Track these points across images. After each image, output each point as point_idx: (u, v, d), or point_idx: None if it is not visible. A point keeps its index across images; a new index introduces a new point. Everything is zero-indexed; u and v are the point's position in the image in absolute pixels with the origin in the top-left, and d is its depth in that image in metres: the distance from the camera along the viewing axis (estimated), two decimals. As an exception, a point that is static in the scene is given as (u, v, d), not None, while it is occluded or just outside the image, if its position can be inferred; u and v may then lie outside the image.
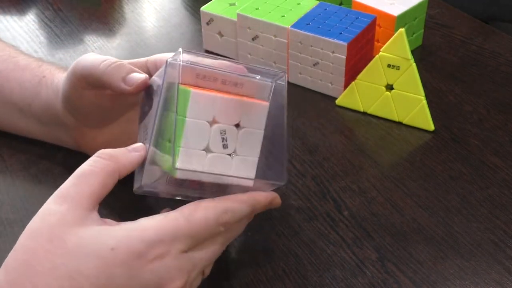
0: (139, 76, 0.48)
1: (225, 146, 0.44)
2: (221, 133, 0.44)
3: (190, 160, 0.43)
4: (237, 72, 0.46)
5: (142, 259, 0.40)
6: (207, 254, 0.44)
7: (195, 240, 0.42)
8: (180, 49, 0.44)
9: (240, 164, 0.44)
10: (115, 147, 0.55)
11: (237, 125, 0.45)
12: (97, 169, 0.43)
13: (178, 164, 0.42)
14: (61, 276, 0.38)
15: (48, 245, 0.39)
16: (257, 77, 0.47)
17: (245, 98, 0.45)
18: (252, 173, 0.45)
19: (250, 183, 0.45)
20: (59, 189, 0.43)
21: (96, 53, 0.78)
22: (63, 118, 0.55)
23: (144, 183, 0.45)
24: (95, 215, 0.42)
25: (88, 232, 0.40)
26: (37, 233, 0.40)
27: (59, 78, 0.56)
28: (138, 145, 0.46)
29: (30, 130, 0.60)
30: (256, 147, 0.45)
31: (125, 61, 0.50)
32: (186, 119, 0.42)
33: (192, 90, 0.43)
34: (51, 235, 0.39)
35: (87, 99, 0.52)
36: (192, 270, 0.43)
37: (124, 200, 0.50)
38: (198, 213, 0.42)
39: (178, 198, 0.47)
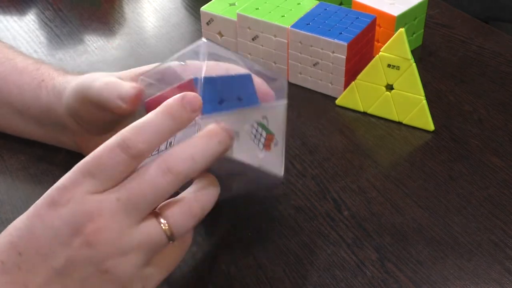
0: (131, 91, 0.48)
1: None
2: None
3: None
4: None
5: (52, 209, 0.39)
6: (128, 192, 0.39)
7: (99, 177, 0.39)
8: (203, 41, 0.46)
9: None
10: None
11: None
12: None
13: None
14: (7, 233, 0.40)
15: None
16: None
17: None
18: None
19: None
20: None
21: (96, 53, 0.78)
22: (65, 123, 0.55)
23: None
24: None
25: None
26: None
27: (60, 82, 0.56)
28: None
29: (30, 131, 0.60)
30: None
31: (116, 74, 0.51)
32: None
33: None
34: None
35: (95, 113, 0.52)
36: (110, 214, 0.39)
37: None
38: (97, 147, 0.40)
39: None
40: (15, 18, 0.86)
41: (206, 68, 0.44)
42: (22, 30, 0.83)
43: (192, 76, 0.42)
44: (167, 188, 0.40)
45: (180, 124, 0.41)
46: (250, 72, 0.47)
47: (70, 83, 0.54)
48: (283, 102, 0.49)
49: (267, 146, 0.49)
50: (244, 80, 0.46)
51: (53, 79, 0.57)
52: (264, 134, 0.49)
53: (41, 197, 0.40)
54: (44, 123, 0.58)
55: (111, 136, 0.53)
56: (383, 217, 0.55)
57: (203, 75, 0.43)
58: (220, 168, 0.44)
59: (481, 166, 0.60)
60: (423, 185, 0.58)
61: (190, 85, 0.43)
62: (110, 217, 0.39)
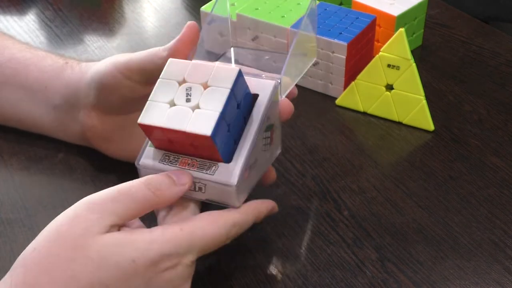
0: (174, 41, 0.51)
1: (188, 100, 0.45)
2: (186, 89, 0.46)
3: (153, 114, 0.46)
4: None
5: (157, 268, 0.42)
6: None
7: (205, 251, 0.45)
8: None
9: (199, 116, 0.45)
10: (118, 135, 0.56)
11: (205, 86, 0.46)
12: (139, 197, 0.44)
13: (140, 119, 0.46)
14: (82, 285, 0.39)
15: (72, 253, 0.40)
16: (263, 75, 0.49)
17: (218, 63, 0.47)
18: (209, 126, 0.44)
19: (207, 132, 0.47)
20: (95, 195, 0.43)
21: (96, 53, 0.78)
22: (81, 97, 0.56)
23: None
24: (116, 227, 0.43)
25: (110, 241, 0.41)
26: (63, 238, 0.40)
27: (86, 64, 0.58)
28: (186, 176, 0.46)
29: (37, 117, 0.60)
30: (219, 102, 0.45)
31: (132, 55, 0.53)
32: (159, 79, 0.47)
33: (171, 58, 0.48)
34: (76, 243, 0.40)
35: (122, 86, 0.53)
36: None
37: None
38: (211, 228, 0.44)
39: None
40: (15, 18, 0.86)
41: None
42: (22, 30, 0.83)
43: (205, 133, 0.44)
44: None
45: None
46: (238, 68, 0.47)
47: (100, 61, 0.56)
48: (274, 85, 0.49)
49: (271, 141, 0.50)
50: (237, 86, 0.46)
51: (79, 62, 0.59)
52: (268, 134, 0.49)
53: (143, 256, 0.41)
54: (55, 103, 0.58)
55: (116, 118, 0.56)
56: (383, 217, 0.55)
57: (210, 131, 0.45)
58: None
59: (481, 166, 0.60)
60: (423, 185, 0.58)
61: (205, 139, 0.45)
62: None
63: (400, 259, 0.51)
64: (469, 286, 0.49)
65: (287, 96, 0.51)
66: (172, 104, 0.46)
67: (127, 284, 0.40)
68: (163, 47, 0.50)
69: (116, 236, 0.41)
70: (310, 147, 0.63)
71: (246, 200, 0.48)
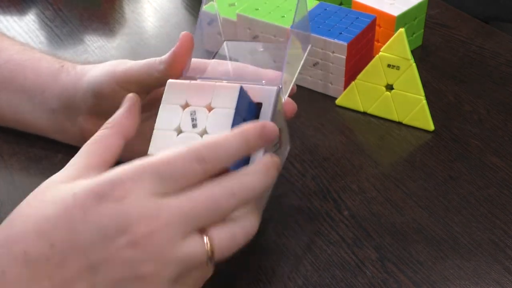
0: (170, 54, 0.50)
1: (194, 126, 0.45)
2: (191, 113, 0.45)
3: (161, 144, 0.45)
4: (240, 78, 0.47)
5: (100, 202, 0.38)
6: (191, 203, 0.39)
7: (166, 180, 0.39)
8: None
9: None
10: None
11: (209, 107, 0.46)
12: (97, 137, 0.44)
13: (150, 151, 0.45)
14: (30, 221, 0.39)
15: (32, 198, 0.41)
16: (263, 82, 0.48)
17: (217, 83, 0.46)
18: None
19: None
20: None
21: (96, 53, 0.78)
22: (78, 102, 0.56)
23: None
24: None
25: (65, 185, 0.40)
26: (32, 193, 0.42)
27: (82, 67, 0.57)
28: (131, 95, 0.47)
29: (36, 120, 0.60)
30: (226, 125, 0.44)
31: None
32: (161, 104, 0.46)
33: (169, 80, 0.47)
34: (38, 190, 0.42)
35: (120, 97, 0.52)
36: (167, 220, 0.38)
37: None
38: (168, 150, 0.40)
39: None
40: (15, 18, 0.86)
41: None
42: (22, 30, 0.83)
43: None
44: (227, 211, 0.40)
45: (250, 151, 0.42)
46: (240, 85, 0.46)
47: (95, 66, 0.56)
48: (277, 92, 0.48)
49: (280, 144, 0.50)
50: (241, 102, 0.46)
51: (74, 65, 0.59)
52: (277, 140, 0.49)
53: (83, 188, 0.39)
54: (53, 107, 0.58)
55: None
56: (383, 217, 0.55)
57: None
58: None
59: (481, 166, 0.60)
60: (423, 185, 0.58)
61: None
62: (165, 223, 0.38)
63: (400, 259, 0.51)
64: (469, 286, 0.49)
65: (289, 92, 0.51)
66: (179, 131, 0.45)
67: (67, 217, 0.38)
68: (159, 58, 0.49)
69: (73, 181, 0.40)
70: (310, 147, 0.63)
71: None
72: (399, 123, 0.66)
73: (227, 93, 0.45)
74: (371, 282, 0.49)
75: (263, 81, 0.48)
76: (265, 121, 0.44)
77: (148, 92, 0.53)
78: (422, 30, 0.78)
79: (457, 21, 0.83)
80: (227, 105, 0.45)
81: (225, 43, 0.58)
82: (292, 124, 0.66)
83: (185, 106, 0.46)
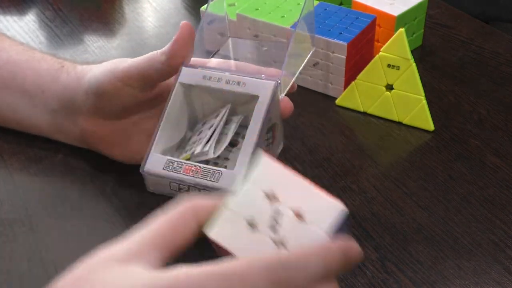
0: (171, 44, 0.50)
1: (273, 229, 0.37)
2: (274, 212, 0.37)
3: (227, 230, 0.37)
4: (240, 73, 0.47)
5: None
6: None
7: None
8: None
9: None
10: (119, 138, 0.56)
11: (297, 213, 0.37)
12: (164, 214, 0.37)
13: (211, 230, 0.37)
14: None
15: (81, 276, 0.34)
16: (263, 76, 0.48)
17: (317, 188, 0.38)
18: None
19: None
20: None
21: (96, 53, 0.78)
22: (79, 102, 0.56)
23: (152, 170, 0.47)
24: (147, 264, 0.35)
25: (113, 273, 0.34)
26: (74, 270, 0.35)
27: (83, 67, 0.57)
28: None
29: (36, 121, 0.60)
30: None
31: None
32: (248, 182, 0.38)
33: (264, 157, 0.38)
34: (88, 266, 0.35)
35: (123, 93, 0.52)
36: None
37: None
38: (241, 263, 0.34)
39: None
40: (15, 18, 0.86)
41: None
42: (22, 30, 0.83)
43: None
44: None
45: (328, 273, 0.35)
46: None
47: (95, 66, 0.55)
48: (274, 86, 0.48)
49: (274, 139, 0.50)
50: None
51: (74, 65, 0.58)
52: (270, 135, 0.49)
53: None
54: (53, 107, 0.58)
55: (115, 122, 0.54)
56: (383, 217, 0.55)
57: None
58: None
59: (481, 166, 0.60)
60: (423, 185, 0.58)
61: None
62: None
63: (400, 259, 0.51)
64: (469, 286, 0.49)
65: (287, 90, 0.51)
66: (253, 225, 0.37)
67: None
68: (160, 50, 0.50)
69: (122, 268, 0.34)
70: (310, 147, 0.63)
71: None
72: (399, 123, 0.66)
73: (325, 208, 0.37)
74: (371, 282, 0.49)
75: (263, 76, 0.49)
76: (349, 243, 0.36)
77: (152, 87, 0.53)
78: (422, 30, 0.78)
79: (457, 21, 0.83)
80: (320, 224, 0.36)
81: (230, 39, 0.58)
82: (292, 124, 0.66)
83: (271, 196, 0.37)
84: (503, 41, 0.79)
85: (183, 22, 0.49)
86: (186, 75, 0.50)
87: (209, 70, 0.50)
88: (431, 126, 0.65)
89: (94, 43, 0.80)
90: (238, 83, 0.48)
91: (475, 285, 0.49)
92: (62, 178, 0.59)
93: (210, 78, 0.49)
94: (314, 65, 0.69)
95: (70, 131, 0.59)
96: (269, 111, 0.47)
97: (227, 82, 0.49)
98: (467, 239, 0.53)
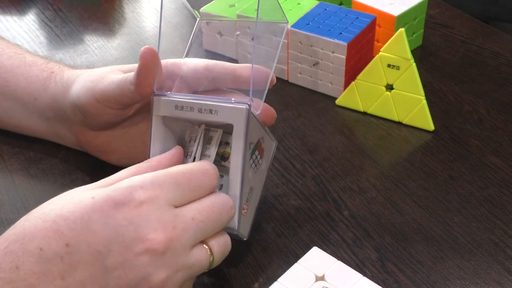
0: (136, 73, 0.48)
1: None
2: None
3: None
4: (210, 98, 0.46)
5: (119, 207, 0.39)
6: (201, 214, 0.42)
7: (185, 191, 0.42)
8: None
9: None
10: (114, 146, 0.56)
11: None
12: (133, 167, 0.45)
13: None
14: (48, 219, 0.39)
15: (54, 198, 0.41)
16: (232, 100, 0.46)
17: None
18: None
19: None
20: None
21: (96, 53, 0.78)
22: (68, 114, 0.55)
23: None
24: None
25: (86, 191, 0.41)
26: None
27: (69, 74, 0.56)
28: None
29: (32, 126, 0.60)
30: None
31: (120, 68, 0.53)
32: (298, 264, 0.49)
33: (315, 247, 0.49)
34: (62, 194, 0.41)
35: (100, 109, 0.52)
36: (182, 229, 0.40)
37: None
38: (181, 164, 0.43)
39: None
40: (15, 18, 0.86)
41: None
42: (22, 30, 0.83)
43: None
44: (227, 222, 0.44)
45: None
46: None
47: (79, 76, 0.55)
48: (247, 110, 0.46)
49: (262, 153, 0.49)
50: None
51: (62, 71, 0.58)
52: (257, 153, 0.48)
53: (103, 193, 0.40)
54: (47, 115, 0.58)
55: (109, 131, 0.54)
56: (383, 217, 0.55)
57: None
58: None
59: (481, 166, 0.60)
60: (423, 185, 0.58)
61: None
62: (181, 233, 0.40)
63: (400, 259, 0.51)
64: (469, 286, 0.49)
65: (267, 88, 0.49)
66: None
67: (85, 219, 0.39)
68: (129, 78, 0.48)
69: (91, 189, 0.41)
70: (310, 147, 0.63)
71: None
72: (399, 123, 0.66)
73: None
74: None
75: (233, 99, 0.46)
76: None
77: (131, 108, 0.52)
78: (422, 30, 0.78)
79: (457, 21, 0.83)
80: None
81: (200, 22, 0.57)
82: (292, 124, 0.66)
83: (321, 279, 0.47)
84: (503, 41, 0.79)
85: (143, 49, 0.47)
86: (159, 107, 0.48)
87: (179, 97, 0.48)
88: (431, 126, 0.65)
89: (94, 43, 0.80)
90: (211, 111, 0.46)
91: (475, 285, 0.49)
92: (62, 178, 0.59)
93: (182, 108, 0.47)
94: (314, 65, 0.69)
95: (67, 137, 0.59)
96: (247, 136, 0.46)
97: (199, 110, 0.46)
98: (467, 239, 0.53)
